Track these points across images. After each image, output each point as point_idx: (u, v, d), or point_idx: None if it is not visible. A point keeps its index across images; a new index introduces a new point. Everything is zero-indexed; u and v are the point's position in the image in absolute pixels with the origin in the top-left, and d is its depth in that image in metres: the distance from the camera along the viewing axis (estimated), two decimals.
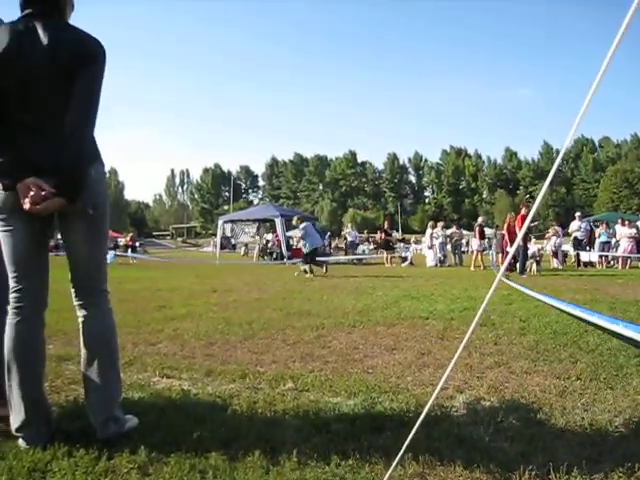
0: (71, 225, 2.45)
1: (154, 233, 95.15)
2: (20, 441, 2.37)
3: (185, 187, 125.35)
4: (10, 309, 2.43)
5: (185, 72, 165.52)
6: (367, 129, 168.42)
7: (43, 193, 2.23)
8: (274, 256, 24.68)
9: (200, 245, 64.29)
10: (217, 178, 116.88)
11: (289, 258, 21.96)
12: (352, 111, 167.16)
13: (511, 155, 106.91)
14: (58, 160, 2.24)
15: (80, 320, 2.52)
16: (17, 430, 2.37)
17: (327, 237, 30.30)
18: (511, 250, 12.16)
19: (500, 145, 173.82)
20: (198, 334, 5.17)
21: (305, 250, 14.45)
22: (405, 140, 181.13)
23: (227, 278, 13.22)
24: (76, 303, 2.53)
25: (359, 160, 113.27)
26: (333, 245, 30.26)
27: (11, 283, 2.43)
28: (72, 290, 2.54)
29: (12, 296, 2.42)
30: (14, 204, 2.30)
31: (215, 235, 36.90)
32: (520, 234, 2.61)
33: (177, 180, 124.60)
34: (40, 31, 2.29)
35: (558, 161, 1.73)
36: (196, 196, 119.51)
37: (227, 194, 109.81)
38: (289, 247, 24.03)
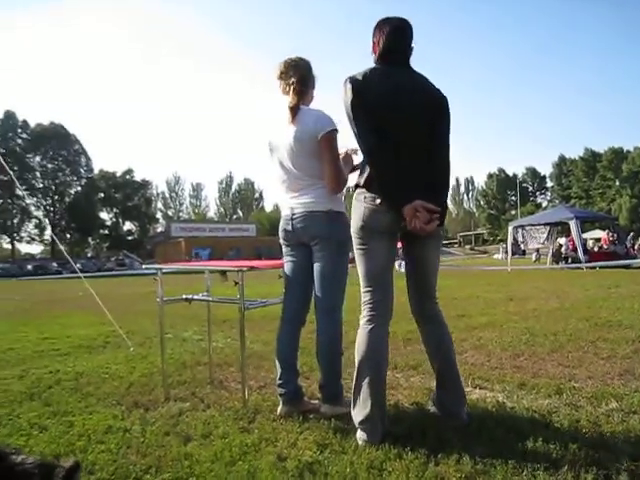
0: (426, 243, 2.78)
1: (443, 242, 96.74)
2: (359, 433, 2.64)
3: (470, 194, 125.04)
4: (363, 318, 2.76)
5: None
6: None
7: (434, 215, 2.54)
8: (569, 261, 22.98)
9: (488, 252, 63.02)
10: (502, 183, 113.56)
11: (587, 262, 20.23)
12: None
13: None
14: (435, 189, 2.60)
15: (421, 329, 2.94)
16: (360, 423, 2.64)
17: (630, 238, 26.76)
18: None
19: None
20: (502, 344, 5.09)
21: None
22: None
23: (521, 285, 12.73)
24: (417, 311, 2.91)
25: None
26: (637, 247, 26.54)
27: (365, 296, 2.78)
28: (410, 301, 2.93)
29: (366, 307, 2.77)
30: (390, 224, 2.66)
31: (503, 241, 35.85)
32: None
33: (462, 188, 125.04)
34: (410, 77, 2.68)
35: None
36: (482, 203, 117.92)
37: (513, 198, 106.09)
38: (586, 250, 22.09)
